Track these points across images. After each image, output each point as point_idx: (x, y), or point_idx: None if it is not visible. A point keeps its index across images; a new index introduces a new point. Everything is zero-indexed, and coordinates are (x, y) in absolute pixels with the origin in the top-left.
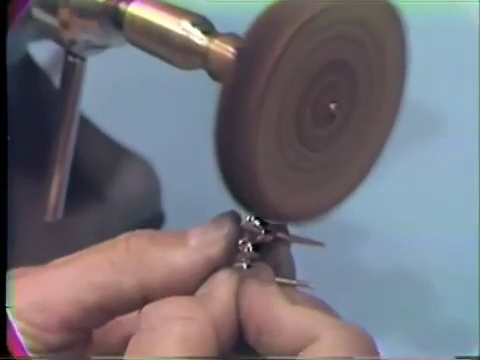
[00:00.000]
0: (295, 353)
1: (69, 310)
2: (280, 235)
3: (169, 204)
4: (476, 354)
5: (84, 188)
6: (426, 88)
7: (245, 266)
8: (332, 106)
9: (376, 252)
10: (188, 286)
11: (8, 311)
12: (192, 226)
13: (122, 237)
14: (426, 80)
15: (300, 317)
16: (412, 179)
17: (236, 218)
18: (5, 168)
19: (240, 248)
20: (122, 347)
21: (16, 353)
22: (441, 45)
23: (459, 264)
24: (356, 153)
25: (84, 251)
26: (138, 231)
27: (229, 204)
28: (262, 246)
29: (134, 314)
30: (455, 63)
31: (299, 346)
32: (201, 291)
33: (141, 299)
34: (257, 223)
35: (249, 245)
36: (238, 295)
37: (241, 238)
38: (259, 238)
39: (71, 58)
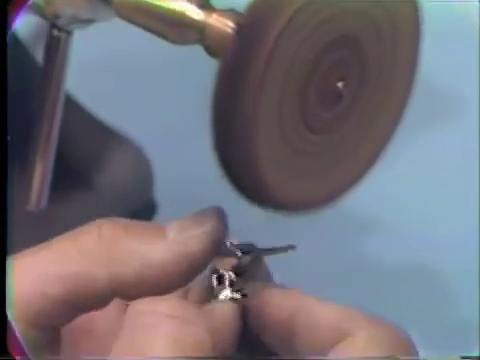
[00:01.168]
0: (326, 351)
1: (34, 303)
2: (255, 253)
3: (162, 192)
4: (476, 354)
5: (70, 175)
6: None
7: (239, 296)
8: (339, 84)
9: (384, 245)
10: (163, 283)
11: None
12: (186, 215)
13: (95, 224)
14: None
15: (333, 311)
16: (424, 167)
17: (220, 215)
18: (5, 168)
19: (220, 282)
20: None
21: (16, 353)
22: (441, 45)
23: (472, 259)
24: (364, 138)
25: (54, 239)
26: (113, 218)
27: (227, 191)
28: (241, 270)
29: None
30: (455, 63)
31: (331, 342)
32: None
33: (111, 293)
34: (232, 244)
35: (231, 273)
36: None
37: (225, 239)
38: (236, 263)
39: (55, 32)
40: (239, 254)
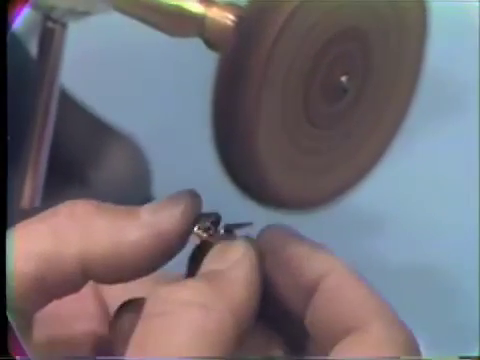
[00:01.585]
0: (335, 339)
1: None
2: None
3: (160, 190)
4: (476, 354)
5: (65, 171)
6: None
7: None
8: (344, 79)
9: (385, 244)
10: (134, 262)
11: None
12: None
13: (67, 203)
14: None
15: (359, 295)
16: (432, 162)
17: (194, 195)
18: (5, 167)
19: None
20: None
21: (16, 353)
22: (441, 45)
23: (472, 259)
24: (369, 134)
25: (27, 220)
26: (84, 199)
27: (226, 188)
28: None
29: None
30: (455, 63)
31: (342, 331)
32: (213, 266)
33: (81, 273)
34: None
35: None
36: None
37: (197, 222)
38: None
39: (50, 24)
40: (214, 232)
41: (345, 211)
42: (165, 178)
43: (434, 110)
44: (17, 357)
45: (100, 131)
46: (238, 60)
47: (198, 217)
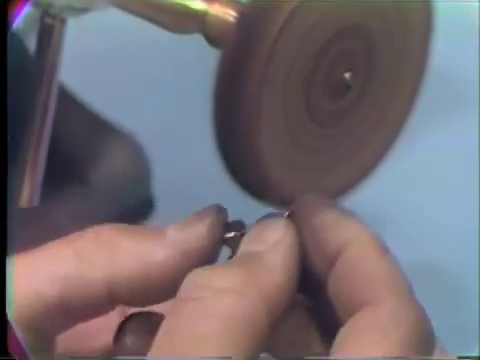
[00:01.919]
0: (350, 313)
1: (28, 305)
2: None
3: (160, 189)
4: (476, 354)
5: (64, 170)
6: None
7: None
8: (347, 75)
9: (389, 244)
10: (162, 283)
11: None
12: (186, 213)
13: (93, 228)
14: None
15: (384, 269)
16: (437, 161)
17: (220, 210)
18: (5, 167)
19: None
20: None
21: (16, 353)
22: (440, 45)
23: (473, 259)
24: (372, 131)
25: (51, 242)
26: (111, 224)
27: (229, 188)
28: None
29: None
30: (455, 63)
31: (355, 305)
32: (251, 247)
33: (107, 297)
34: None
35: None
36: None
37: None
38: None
39: (49, 20)
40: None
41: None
42: (165, 177)
43: (434, 110)
44: (17, 357)
45: (100, 129)
46: (239, 57)
47: (224, 228)
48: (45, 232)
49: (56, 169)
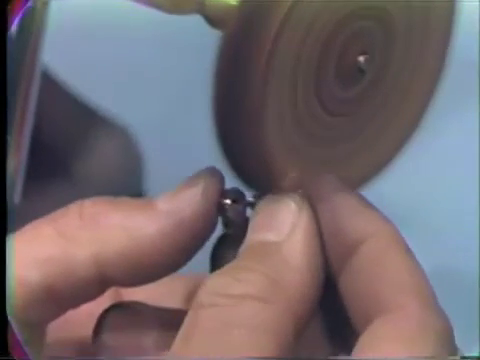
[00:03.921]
0: (368, 317)
1: (14, 292)
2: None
3: (154, 185)
4: (476, 354)
5: (49, 163)
6: None
7: None
8: (361, 59)
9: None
10: (155, 257)
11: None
12: None
13: (76, 203)
14: None
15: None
16: (457, 158)
17: (215, 173)
18: (4, 167)
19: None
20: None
21: (16, 354)
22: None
23: (473, 259)
24: (387, 124)
25: (32, 223)
26: (95, 197)
27: (230, 183)
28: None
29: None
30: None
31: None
32: (264, 235)
33: (96, 276)
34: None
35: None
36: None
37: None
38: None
39: (31, 2)
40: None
41: None
42: (159, 172)
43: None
44: (17, 357)
45: (88, 119)
46: (242, 39)
47: (221, 194)
48: None
49: (39, 163)
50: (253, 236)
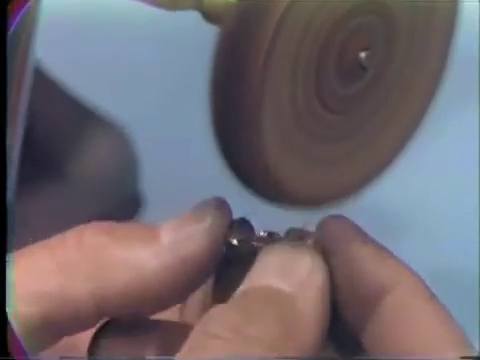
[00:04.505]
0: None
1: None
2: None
3: (149, 183)
4: (476, 354)
5: (41, 162)
6: None
7: None
8: (363, 55)
9: (388, 244)
10: (159, 296)
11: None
12: (177, 210)
13: (74, 231)
14: None
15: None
16: (457, 158)
17: (222, 205)
18: (4, 167)
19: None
20: None
21: (16, 354)
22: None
23: (473, 259)
24: (388, 123)
25: (27, 249)
26: (94, 223)
27: (227, 184)
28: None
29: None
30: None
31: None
32: (276, 283)
33: (96, 312)
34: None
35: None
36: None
37: (230, 232)
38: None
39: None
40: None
41: (358, 210)
42: (155, 172)
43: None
44: (17, 357)
45: (81, 117)
46: (240, 36)
47: (227, 228)
48: (21, 234)
49: (30, 163)
50: (265, 280)
